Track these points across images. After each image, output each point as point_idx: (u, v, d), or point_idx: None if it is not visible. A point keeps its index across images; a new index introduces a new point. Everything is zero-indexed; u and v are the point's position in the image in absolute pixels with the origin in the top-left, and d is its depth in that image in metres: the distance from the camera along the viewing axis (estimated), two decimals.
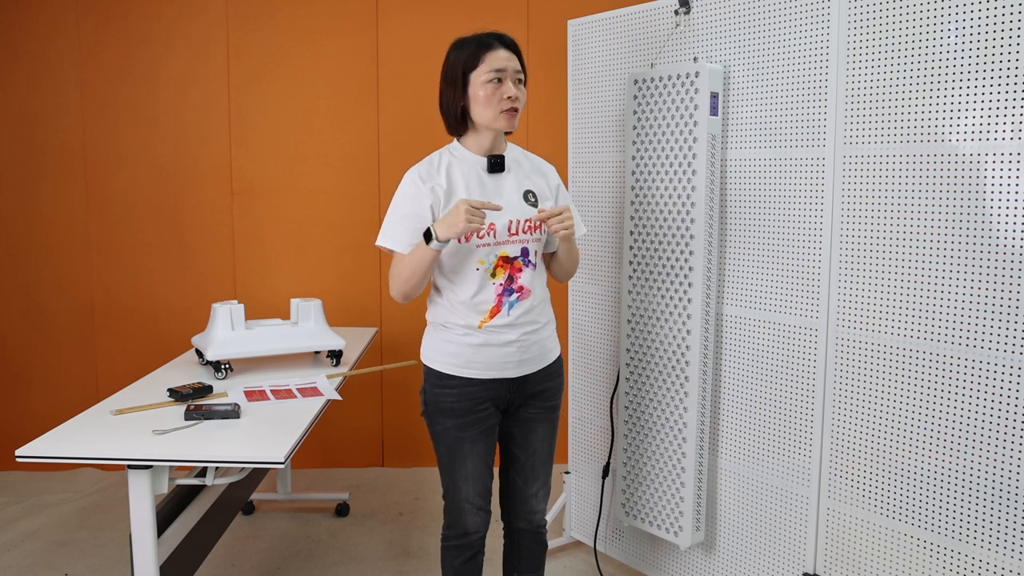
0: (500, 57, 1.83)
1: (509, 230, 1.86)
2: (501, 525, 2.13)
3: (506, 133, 1.92)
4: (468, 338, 1.87)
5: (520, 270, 1.88)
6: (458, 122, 1.90)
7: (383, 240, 1.90)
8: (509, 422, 2.00)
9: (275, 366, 2.61)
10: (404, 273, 1.84)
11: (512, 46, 1.88)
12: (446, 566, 2.01)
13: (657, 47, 2.37)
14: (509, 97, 1.82)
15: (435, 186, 1.86)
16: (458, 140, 1.94)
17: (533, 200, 1.92)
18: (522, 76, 1.88)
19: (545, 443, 2.02)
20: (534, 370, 1.94)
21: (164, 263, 3.61)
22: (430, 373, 1.93)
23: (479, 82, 1.83)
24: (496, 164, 1.89)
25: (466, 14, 3.54)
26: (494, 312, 1.87)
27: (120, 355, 3.64)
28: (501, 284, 1.87)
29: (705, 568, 2.37)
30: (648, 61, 2.40)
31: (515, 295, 1.88)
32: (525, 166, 1.97)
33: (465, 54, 1.86)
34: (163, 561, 1.96)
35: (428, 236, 1.79)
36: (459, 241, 1.84)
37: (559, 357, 2.02)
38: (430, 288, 1.96)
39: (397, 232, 1.87)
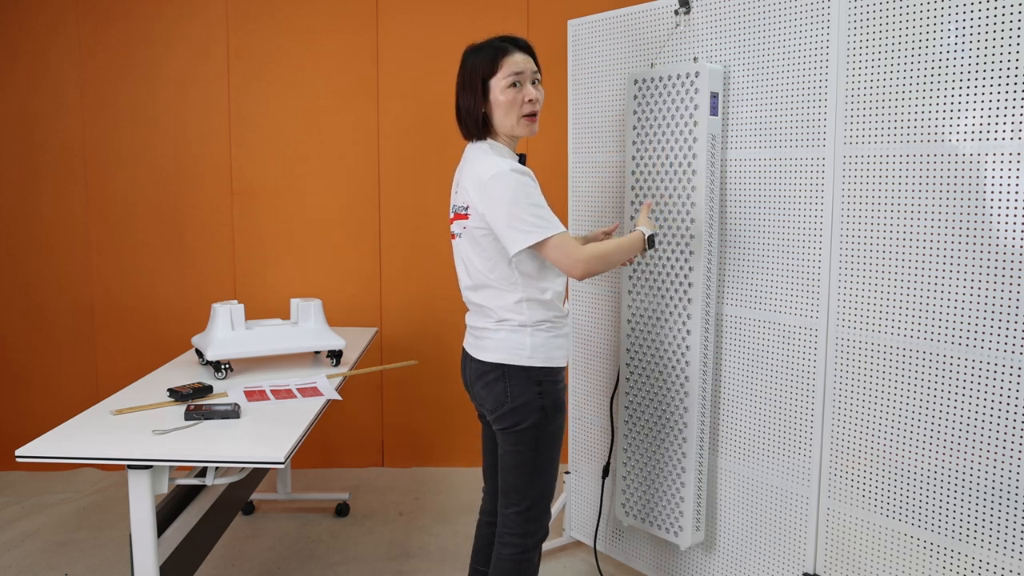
0: (518, 61, 1.85)
1: None
2: (480, 518, 2.16)
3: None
4: (565, 328, 1.94)
5: None
6: (479, 128, 1.89)
7: (551, 230, 1.77)
8: None
9: (275, 366, 2.61)
10: (616, 257, 1.88)
11: (527, 48, 1.90)
12: (535, 569, 1.98)
13: (657, 47, 2.37)
14: (530, 100, 1.85)
15: (530, 171, 1.88)
16: (495, 140, 1.92)
17: None
18: (539, 76, 1.90)
19: None
20: None
21: (164, 263, 3.61)
22: (548, 372, 1.88)
23: (499, 88, 1.84)
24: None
25: (466, 14, 3.54)
26: (565, 298, 1.96)
27: (120, 355, 3.64)
28: None
29: (705, 568, 2.37)
30: (648, 61, 2.40)
31: None
32: None
33: (483, 61, 1.85)
34: (163, 561, 1.96)
35: (651, 243, 1.96)
36: None
37: None
38: (495, 295, 1.89)
39: (552, 215, 1.81)
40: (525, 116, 1.86)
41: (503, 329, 1.88)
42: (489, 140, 1.91)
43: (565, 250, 1.78)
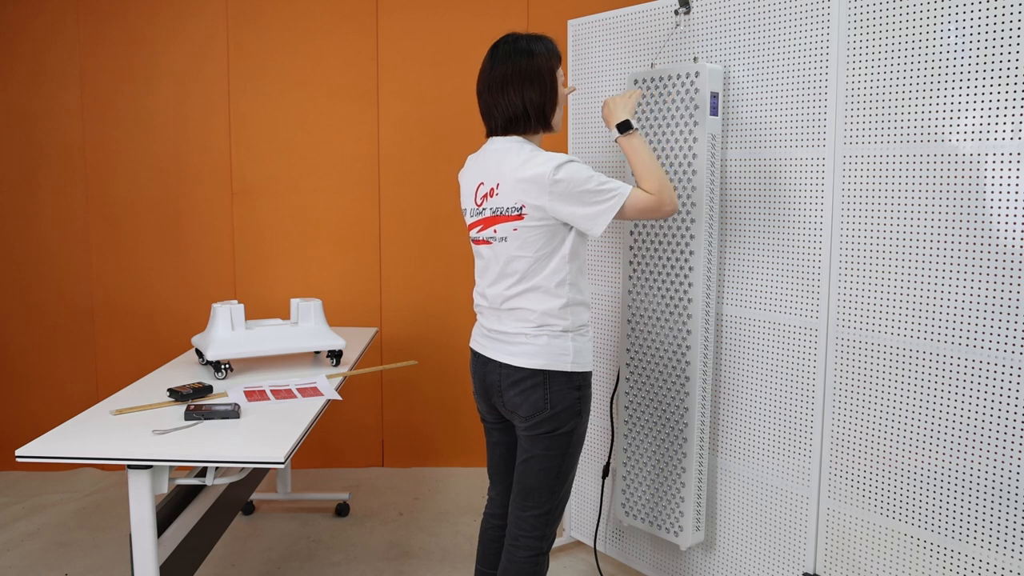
0: None
1: None
2: (486, 521, 2.14)
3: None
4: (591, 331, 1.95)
5: None
6: (536, 122, 1.85)
7: (625, 189, 1.75)
8: None
9: (275, 366, 2.61)
10: (655, 164, 1.81)
11: None
12: (546, 570, 1.98)
13: (657, 47, 2.37)
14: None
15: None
16: (534, 137, 1.89)
17: None
18: None
19: None
20: None
21: (164, 263, 3.61)
22: (586, 377, 1.88)
23: (560, 86, 1.88)
24: None
25: (466, 14, 3.54)
26: None
27: (120, 355, 3.64)
28: None
29: (705, 568, 2.37)
30: (648, 61, 2.40)
31: None
32: None
33: (555, 52, 1.86)
34: (163, 561, 1.96)
35: (626, 126, 1.86)
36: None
37: None
38: (541, 299, 1.84)
39: (615, 179, 1.79)
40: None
41: (544, 334, 1.82)
42: (518, 136, 1.85)
43: (643, 202, 1.76)
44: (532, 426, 1.85)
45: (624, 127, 1.86)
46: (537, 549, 1.92)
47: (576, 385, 1.85)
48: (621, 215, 1.76)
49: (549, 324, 1.82)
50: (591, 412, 2.69)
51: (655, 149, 2.27)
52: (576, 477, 2.81)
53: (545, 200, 1.75)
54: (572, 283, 1.83)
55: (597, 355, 2.66)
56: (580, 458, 2.76)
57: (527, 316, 1.83)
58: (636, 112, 1.85)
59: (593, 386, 2.68)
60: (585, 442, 2.75)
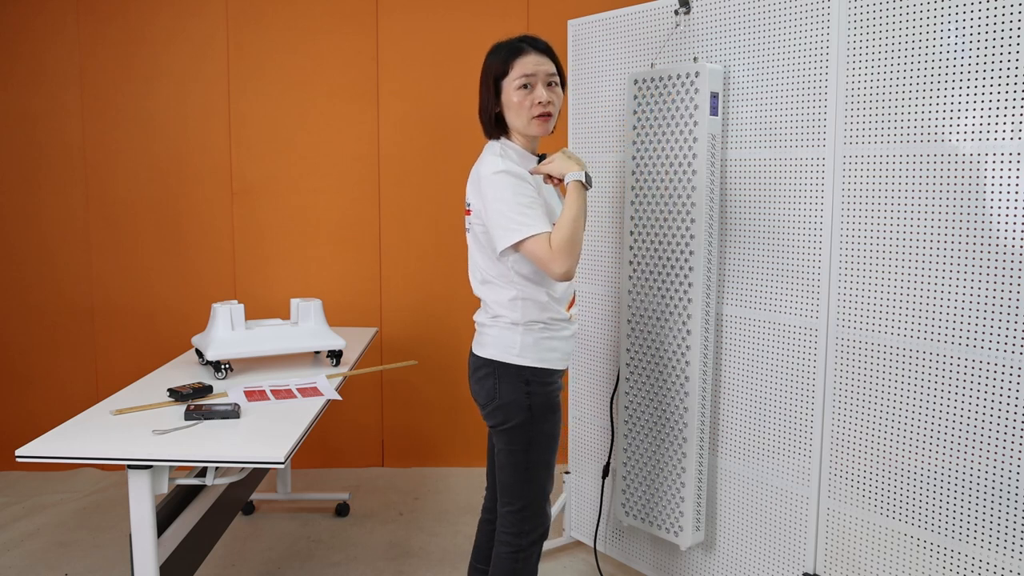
0: (529, 62, 1.84)
1: None
2: (481, 516, 2.17)
3: None
4: (564, 331, 1.92)
5: None
6: (494, 127, 1.92)
7: (532, 229, 1.74)
8: None
9: (275, 366, 2.61)
10: (578, 228, 1.75)
11: (545, 49, 1.89)
12: (533, 569, 1.97)
13: (657, 47, 2.37)
14: (539, 103, 1.84)
15: (525, 172, 1.85)
16: (508, 139, 1.93)
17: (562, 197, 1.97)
18: (556, 79, 1.89)
19: None
20: None
21: (164, 263, 3.61)
22: (537, 373, 1.87)
23: (511, 89, 1.85)
24: None
25: (467, 14, 3.54)
26: (571, 303, 1.95)
27: (120, 355, 3.64)
28: None
29: (705, 568, 2.37)
30: (648, 61, 2.40)
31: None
32: None
33: (497, 61, 1.87)
34: (163, 561, 1.96)
35: (589, 181, 1.82)
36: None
37: None
38: (493, 290, 1.89)
39: (538, 216, 1.76)
40: (536, 117, 1.85)
41: (497, 326, 1.90)
42: (503, 139, 1.92)
43: (539, 251, 1.74)
44: (487, 416, 1.93)
45: (581, 179, 1.81)
46: (515, 546, 1.94)
47: (524, 379, 1.87)
48: (522, 250, 1.77)
49: (500, 315, 1.89)
50: (587, 410, 2.69)
51: (655, 149, 2.27)
52: (576, 477, 2.81)
53: (477, 200, 1.85)
54: (521, 282, 1.86)
55: (597, 355, 2.66)
56: (583, 460, 2.77)
57: (487, 307, 1.93)
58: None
59: (593, 386, 2.68)
60: (585, 442, 2.75)
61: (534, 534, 1.95)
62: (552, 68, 1.88)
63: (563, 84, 1.93)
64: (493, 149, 1.89)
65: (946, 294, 1.74)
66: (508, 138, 1.92)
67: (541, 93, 1.84)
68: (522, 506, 1.92)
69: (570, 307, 1.95)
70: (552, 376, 1.91)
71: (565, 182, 1.82)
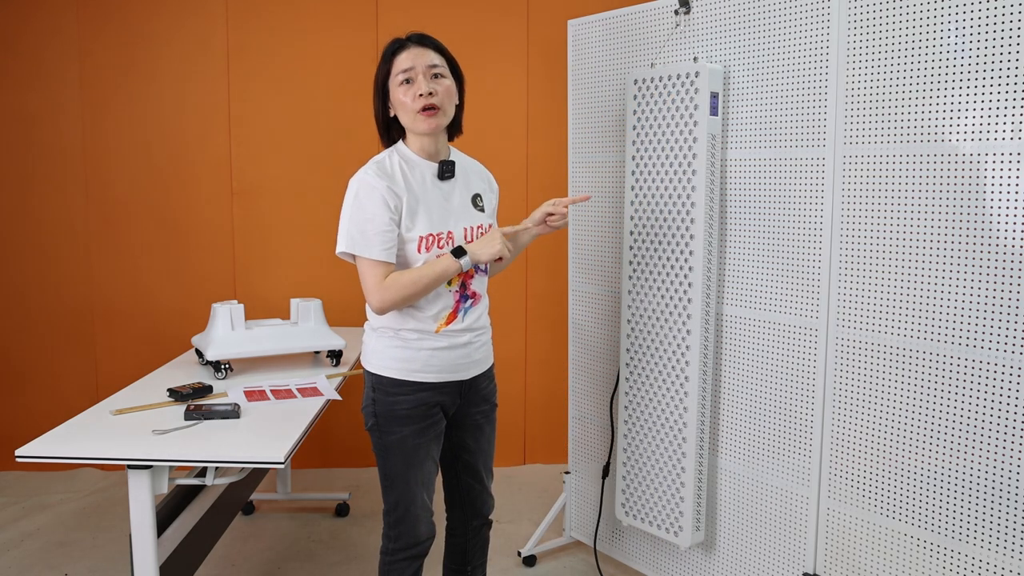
0: (405, 58, 1.80)
1: (465, 238, 1.87)
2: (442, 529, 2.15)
3: (449, 139, 1.95)
4: (422, 342, 1.84)
5: (472, 276, 1.90)
6: (386, 133, 1.91)
7: (357, 248, 1.77)
8: (458, 431, 2.00)
9: (275, 366, 2.61)
10: (419, 284, 1.76)
11: (423, 41, 1.83)
12: None
13: (657, 47, 2.37)
14: (420, 95, 1.78)
15: (396, 189, 1.79)
16: (403, 142, 1.90)
17: (480, 205, 1.94)
18: (440, 69, 1.82)
19: (492, 441, 2.08)
20: (482, 371, 1.97)
21: (164, 263, 3.61)
22: (381, 381, 1.86)
23: (395, 87, 1.82)
24: (447, 172, 1.87)
25: (466, 12, 3.54)
26: (450, 319, 1.87)
27: (120, 355, 3.64)
28: (457, 291, 1.87)
29: (705, 568, 2.37)
30: (648, 61, 2.40)
31: (469, 301, 1.90)
32: (469, 171, 1.97)
33: (380, 65, 1.85)
34: (163, 561, 1.96)
35: (459, 253, 1.79)
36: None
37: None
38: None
39: (370, 240, 1.76)
40: (421, 111, 1.78)
41: (367, 328, 1.94)
42: (397, 144, 1.89)
43: (367, 275, 1.77)
44: None
45: (458, 252, 1.80)
46: (385, 550, 1.94)
47: (371, 385, 1.88)
48: (356, 262, 1.80)
49: (368, 319, 1.92)
50: (587, 410, 2.69)
51: (655, 149, 2.27)
52: (576, 477, 2.81)
53: None
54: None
55: (597, 355, 2.66)
56: (583, 460, 2.77)
57: None
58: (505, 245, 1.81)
59: (593, 386, 2.68)
60: (585, 442, 2.75)
61: (398, 543, 1.91)
62: (434, 59, 1.81)
63: (457, 77, 1.88)
64: (378, 155, 1.86)
65: (946, 294, 1.74)
66: (405, 142, 1.88)
67: (421, 84, 1.78)
68: (387, 510, 1.93)
69: (449, 323, 1.86)
70: (397, 388, 1.84)
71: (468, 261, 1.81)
